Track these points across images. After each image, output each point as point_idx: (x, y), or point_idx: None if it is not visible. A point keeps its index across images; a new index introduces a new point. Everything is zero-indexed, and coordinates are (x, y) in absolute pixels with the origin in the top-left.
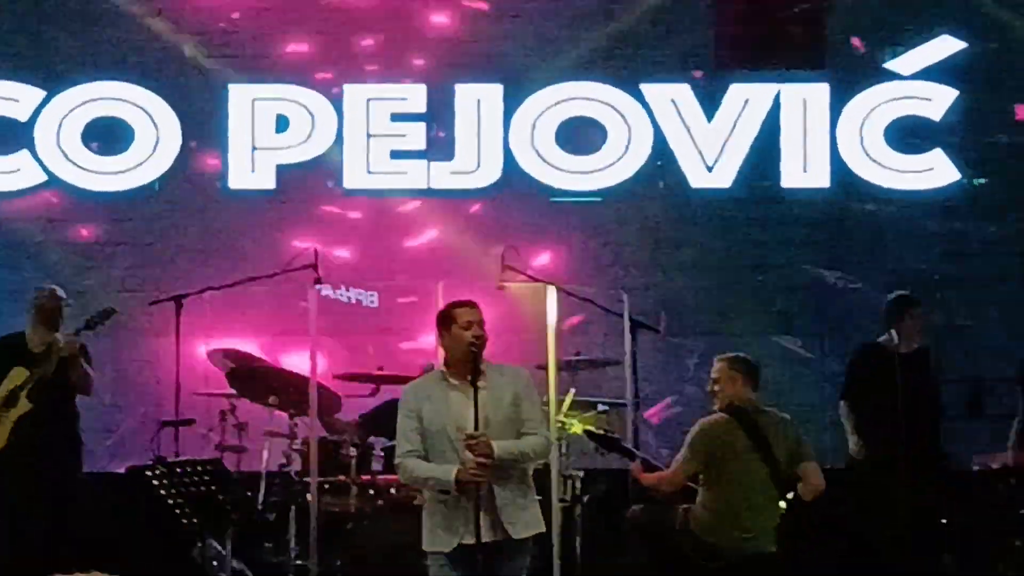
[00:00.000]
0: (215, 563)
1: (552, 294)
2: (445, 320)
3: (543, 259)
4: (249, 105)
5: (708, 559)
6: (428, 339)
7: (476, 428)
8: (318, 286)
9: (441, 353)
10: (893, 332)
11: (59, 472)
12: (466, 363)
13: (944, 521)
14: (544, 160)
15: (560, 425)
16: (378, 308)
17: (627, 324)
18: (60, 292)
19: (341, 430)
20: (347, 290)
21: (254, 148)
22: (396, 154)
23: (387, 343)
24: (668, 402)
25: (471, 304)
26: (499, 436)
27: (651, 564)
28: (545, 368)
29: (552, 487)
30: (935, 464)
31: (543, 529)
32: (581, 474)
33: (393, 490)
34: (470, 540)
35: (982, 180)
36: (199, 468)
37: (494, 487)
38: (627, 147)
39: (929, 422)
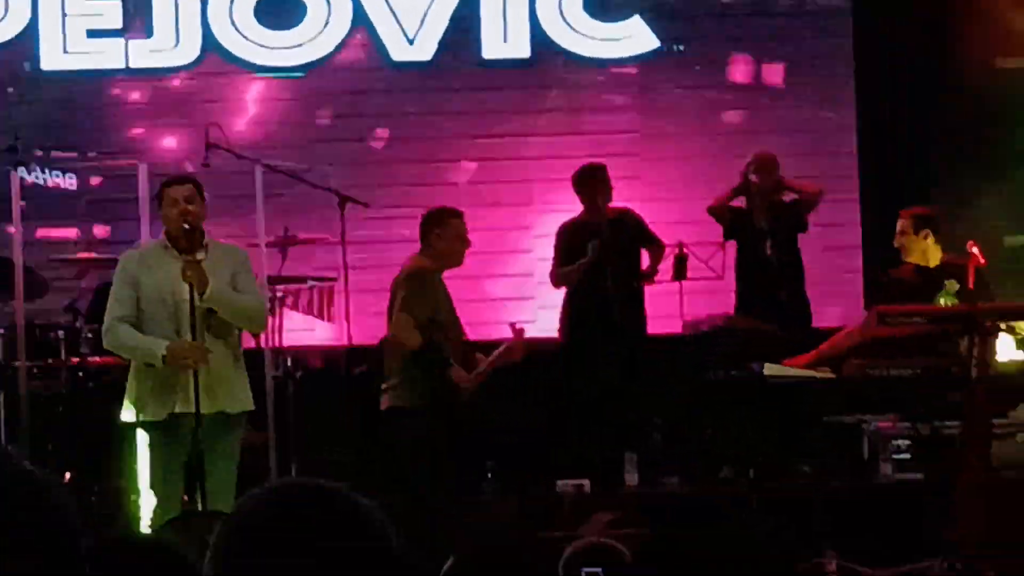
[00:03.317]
0: None
1: (259, 171)
2: (159, 197)
3: (247, 135)
4: None
5: None
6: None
7: (191, 299)
8: (18, 168)
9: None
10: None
11: None
12: (180, 238)
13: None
14: (244, 36)
15: None
16: (79, 191)
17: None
18: None
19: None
20: (42, 171)
21: None
22: (92, 33)
23: (93, 228)
24: None
25: (180, 181)
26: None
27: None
28: (256, 245)
29: (265, 362)
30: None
31: (253, 408)
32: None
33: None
34: (183, 409)
35: (682, 47)
36: None
37: (211, 359)
38: (327, 21)
39: (610, 294)
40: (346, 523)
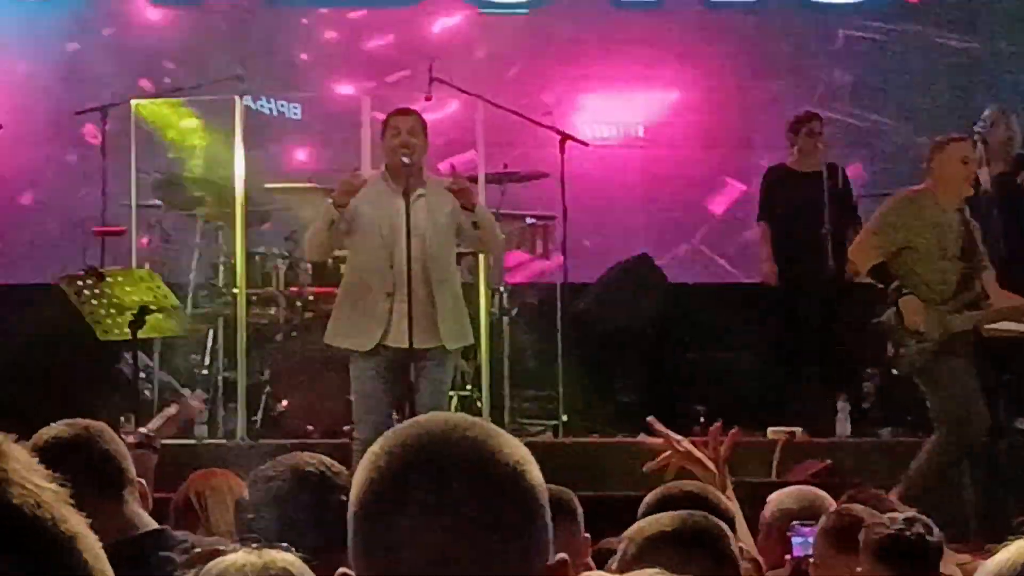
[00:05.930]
0: (142, 375)
1: (480, 107)
2: (383, 127)
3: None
4: None
5: None
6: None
7: (408, 235)
8: (245, 97)
9: None
10: (795, 150)
11: None
12: (397, 171)
13: None
14: None
15: None
16: (302, 120)
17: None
18: None
19: None
20: (268, 101)
21: None
22: None
23: (314, 155)
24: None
25: (403, 113)
26: (435, 245)
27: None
28: (474, 180)
29: (480, 299)
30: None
31: (472, 341)
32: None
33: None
34: (396, 343)
35: None
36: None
37: (434, 293)
38: None
39: (822, 239)
40: (471, 466)
